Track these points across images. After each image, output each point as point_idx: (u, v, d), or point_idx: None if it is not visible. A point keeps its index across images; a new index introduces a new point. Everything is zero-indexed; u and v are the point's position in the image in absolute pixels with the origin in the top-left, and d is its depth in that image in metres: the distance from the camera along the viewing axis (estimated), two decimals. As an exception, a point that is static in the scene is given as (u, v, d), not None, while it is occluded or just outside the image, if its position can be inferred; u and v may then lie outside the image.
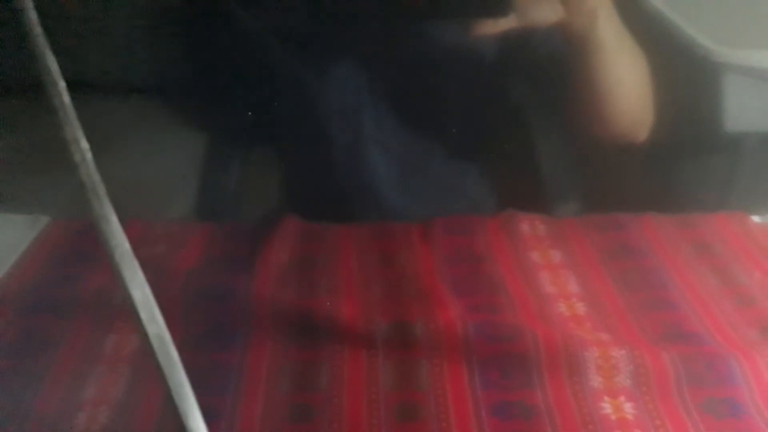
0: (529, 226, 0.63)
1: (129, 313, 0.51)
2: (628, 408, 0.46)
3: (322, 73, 0.70)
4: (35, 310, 0.53)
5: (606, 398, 0.47)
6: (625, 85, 0.66)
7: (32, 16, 0.25)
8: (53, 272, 0.57)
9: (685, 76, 0.80)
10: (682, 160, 0.82)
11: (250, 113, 0.69)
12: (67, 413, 0.45)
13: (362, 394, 0.47)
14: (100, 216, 0.24)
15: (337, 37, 0.69)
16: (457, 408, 0.46)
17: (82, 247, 0.61)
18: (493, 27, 0.60)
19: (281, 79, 0.69)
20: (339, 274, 0.58)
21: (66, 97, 0.25)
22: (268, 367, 0.49)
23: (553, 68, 0.67)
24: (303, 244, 0.61)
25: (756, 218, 0.64)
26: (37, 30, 0.25)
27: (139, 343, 0.51)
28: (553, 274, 0.58)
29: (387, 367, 0.49)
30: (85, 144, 0.24)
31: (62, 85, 0.25)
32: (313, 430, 0.45)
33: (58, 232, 0.62)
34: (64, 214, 0.64)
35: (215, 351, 0.50)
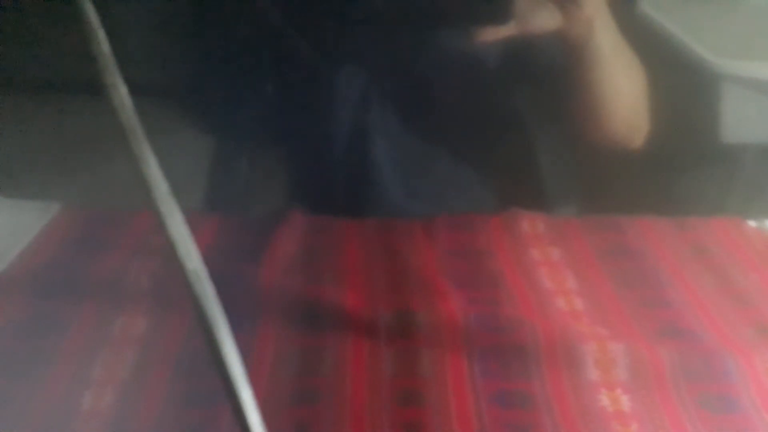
0: (530, 224, 0.64)
1: (137, 297, 0.53)
2: (625, 401, 0.47)
3: (330, 74, 0.71)
4: (46, 293, 0.54)
5: (603, 391, 0.47)
6: (622, 93, 0.68)
7: None
8: (64, 257, 0.58)
9: (683, 86, 0.82)
10: (680, 168, 0.83)
11: (258, 109, 0.71)
12: (74, 393, 0.46)
13: (364, 380, 0.48)
14: (141, 158, 0.25)
15: (346, 40, 0.70)
16: (456, 395, 0.47)
17: (93, 234, 0.62)
18: (494, 34, 0.61)
19: (290, 77, 0.70)
20: (343, 266, 0.59)
21: (106, 46, 0.26)
22: (273, 352, 0.50)
23: (551, 75, 0.68)
24: (309, 237, 0.62)
25: (752, 223, 0.65)
26: None
27: (146, 327, 0.52)
28: (552, 271, 0.59)
29: (389, 355, 0.50)
30: (124, 89, 0.26)
31: (102, 34, 0.26)
32: (316, 413, 0.45)
33: (69, 219, 0.63)
34: (74, 203, 0.65)
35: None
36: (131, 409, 0.46)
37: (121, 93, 0.25)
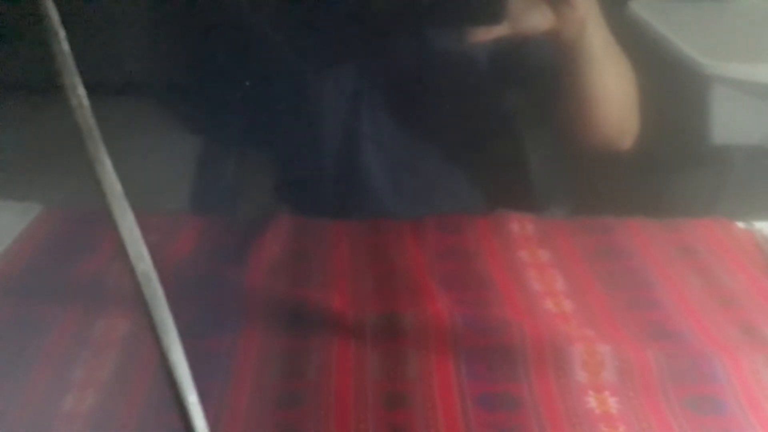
0: (519, 226, 0.64)
1: (118, 299, 0.52)
2: (613, 403, 0.46)
3: (320, 74, 0.71)
4: (26, 294, 0.53)
5: (591, 392, 0.47)
6: (612, 95, 0.68)
7: None
8: (44, 259, 0.58)
9: (672, 87, 0.82)
10: (669, 169, 0.83)
11: (246, 110, 0.70)
12: (54, 395, 0.46)
13: (350, 382, 0.47)
14: (95, 158, 0.25)
15: (335, 39, 0.70)
16: (443, 398, 0.46)
17: (74, 235, 0.61)
18: (487, 34, 0.61)
19: (278, 78, 0.70)
20: (330, 267, 0.58)
21: (65, 45, 0.26)
22: (258, 354, 0.49)
23: (542, 75, 0.68)
24: (295, 238, 0.61)
25: (740, 224, 0.65)
26: None
27: (128, 329, 0.51)
28: (541, 273, 0.59)
29: (375, 357, 0.49)
30: (81, 90, 0.26)
31: (62, 34, 0.26)
32: (301, 416, 0.45)
33: (49, 220, 0.62)
34: (55, 203, 0.64)
35: (205, 337, 0.50)
36: (112, 412, 0.45)
37: (78, 93, 0.25)
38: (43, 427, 0.44)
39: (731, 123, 0.83)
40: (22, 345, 0.50)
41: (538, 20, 0.61)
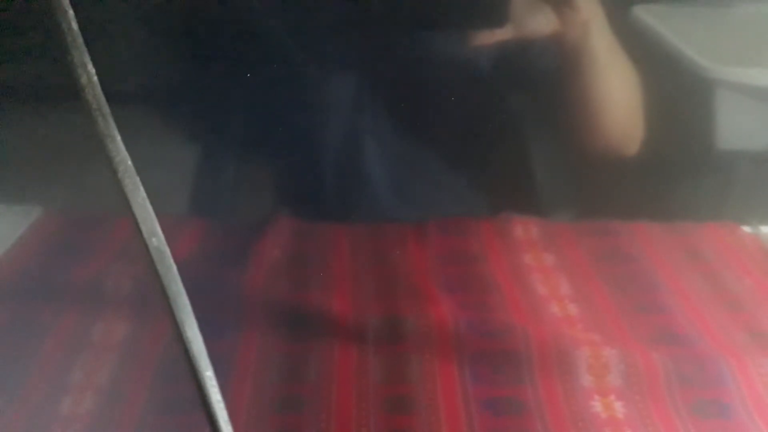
0: (523, 229, 0.64)
1: (117, 302, 0.52)
2: (619, 407, 0.46)
3: (321, 76, 0.71)
4: (26, 297, 0.53)
5: (596, 397, 0.47)
6: (617, 99, 0.68)
7: None
8: (44, 261, 0.58)
9: (678, 92, 0.81)
10: (675, 174, 0.82)
11: (247, 112, 0.70)
12: (52, 398, 0.45)
13: (352, 386, 0.47)
14: (106, 134, 0.25)
15: (336, 43, 0.70)
16: (446, 402, 0.46)
17: (74, 238, 0.61)
18: (489, 37, 0.61)
19: (279, 78, 0.70)
20: (331, 270, 0.58)
21: (75, 24, 0.26)
22: (258, 358, 0.49)
23: (546, 79, 0.68)
24: (296, 241, 0.61)
25: (747, 228, 0.65)
26: None
27: (126, 332, 0.51)
28: (546, 276, 0.58)
29: (377, 361, 0.49)
30: (91, 67, 0.25)
31: (71, 13, 0.26)
32: (302, 420, 0.45)
33: (50, 223, 0.62)
34: (55, 206, 0.64)
35: (204, 341, 0.49)
36: (110, 415, 0.45)
37: (89, 70, 0.25)
38: (41, 430, 0.44)
39: (737, 127, 0.82)
40: (20, 347, 0.50)
41: (540, 23, 0.61)
